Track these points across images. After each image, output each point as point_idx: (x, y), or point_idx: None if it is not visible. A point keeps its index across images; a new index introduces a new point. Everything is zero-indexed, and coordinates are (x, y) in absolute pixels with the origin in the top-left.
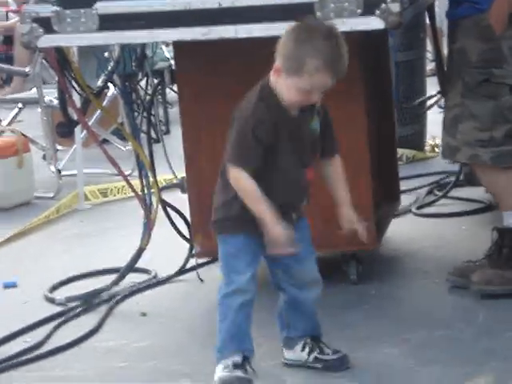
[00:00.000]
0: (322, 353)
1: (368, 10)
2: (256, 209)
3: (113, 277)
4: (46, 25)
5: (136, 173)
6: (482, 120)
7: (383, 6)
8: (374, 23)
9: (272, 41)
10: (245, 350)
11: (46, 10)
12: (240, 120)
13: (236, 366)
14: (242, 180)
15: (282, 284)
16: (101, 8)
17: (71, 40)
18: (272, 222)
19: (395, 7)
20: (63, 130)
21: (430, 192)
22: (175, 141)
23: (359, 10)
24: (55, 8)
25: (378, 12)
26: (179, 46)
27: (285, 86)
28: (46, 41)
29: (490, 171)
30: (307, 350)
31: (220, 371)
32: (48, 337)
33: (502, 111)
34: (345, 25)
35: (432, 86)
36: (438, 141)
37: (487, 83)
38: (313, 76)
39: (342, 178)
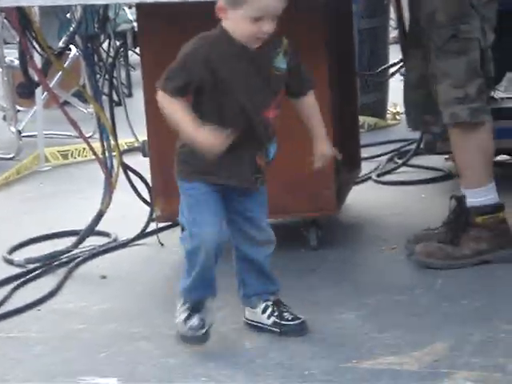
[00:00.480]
0: (281, 317)
1: None
2: (179, 123)
3: (73, 239)
4: None
5: (97, 135)
6: (455, 76)
7: None
8: None
9: None
10: (205, 296)
11: None
12: (182, 50)
13: (194, 310)
14: (165, 101)
15: (234, 241)
16: None
17: (33, 0)
18: (195, 131)
19: None
20: (24, 90)
21: (390, 160)
22: (138, 104)
23: None
24: None
25: None
26: (141, 8)
27: (234, 22)
28: (8, 0)
29: (462, 136)
30: (267, 313)
31: (179, 318)
32: (6, 298)
33: (474, 66)
34: None
35: (395, 54)
36: (399, 108)
37: (455, 39)
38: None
39: (315, 114)
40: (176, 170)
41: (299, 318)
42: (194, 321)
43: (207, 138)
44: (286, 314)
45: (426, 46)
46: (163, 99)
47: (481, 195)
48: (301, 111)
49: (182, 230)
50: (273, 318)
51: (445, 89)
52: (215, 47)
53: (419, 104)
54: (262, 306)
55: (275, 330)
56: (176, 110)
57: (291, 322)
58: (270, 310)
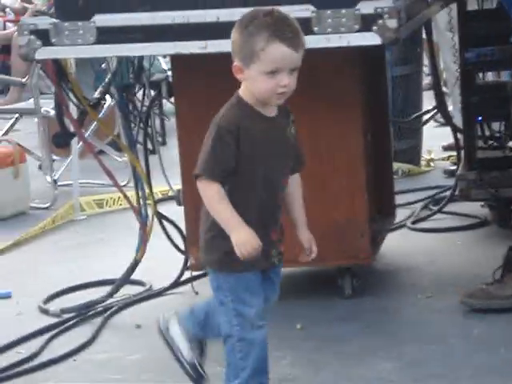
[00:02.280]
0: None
1: (365, 26)
2: (219, 215)
3: (108, 288)
4: (44, 37)
5: (132, 184)
6: None
7: (380, 21)
8: (371, 39)
9: None
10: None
11: (44, 22)
12: (210, 129)
13: None
14: (207, 190)
15: None
16: (99, 21)
17: (69, 52)
18: (237, 226)
19: (392, 23)
20: (59, 140)
21: (425, 207)
22: (172, 152)
23: (356, 26)
24: (53, 20)
25: (375, 28)
26: (177, 59)
27: (250, 80)
28: (44, 53)
29: None
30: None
31: None
32: (42, 348)
33: None
34: (342, 40)
35: (428, 101)
36: (434, 155)
37: None
38: (267, 51)
39: (299, 196)
40: (210, 256)
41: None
42: None
43: (244, 241)
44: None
45: None
46: (206, 191)
47: None
48: (288, 189)
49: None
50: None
51: None
52: (242, 118)
53: None
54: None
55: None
56: (217, 194)
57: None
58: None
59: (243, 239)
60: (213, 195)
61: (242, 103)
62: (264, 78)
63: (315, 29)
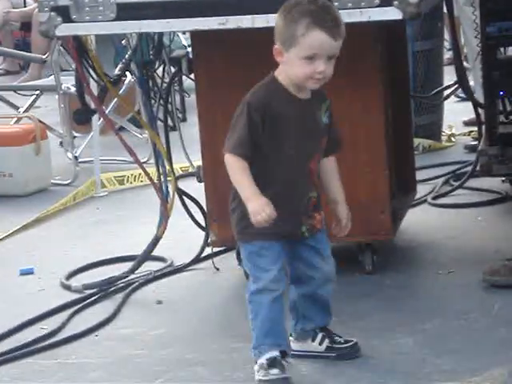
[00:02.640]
0: (333, 342)
1: (386, 1)
2: (239, 186)
3: (129, 264)
4: (64, 13)
5: (152, 160)
6: None
7: None
8: (392, 14)
9: None
10: (280, 344)
11: None
12: (240, 106)
13: (271, 365)
14: (231, 164)
15: (303, 277)
16: None
17: (89, 29)
18: (253, 196)
19: None
20: (80, 117)
21: (446, 182)
22: (192, 129)
23: (377, 1)
24: None
25: (396, 2)
26: (197, 35)
27: (289, 63)
28: (64, 29)
29: None
30: (318, 339)
31: (256, 373)
32: (64, 324)
33: None
34: (362, 15)
35: (449, 76)
36: (455, 130)
37: None
38: (306, 37)
39: (338, 178)
40: (234, 230)
41: (351, 341)
42: (274, 370)
43: (258, 210)
44: (336, 337)
45: None
46: (230, 165)
47: None
48: (323, 170)
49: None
50: (325, 344)
51: None
52: (272, 98)
53: None
54: (311, 333)
55: (330, 355)
56: (239, 168)
57: (344, 345)
58: (319, 336)
59: (257, 208)
60: (235, 169)
61: (275, 84)
62: (302, 63)
63: (336, 4)
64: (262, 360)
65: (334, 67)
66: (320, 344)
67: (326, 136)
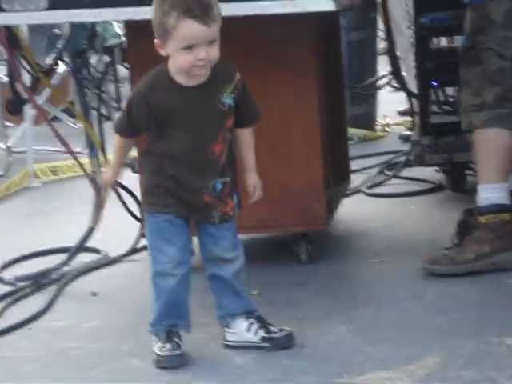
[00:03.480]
0: (268, 332)
1: None
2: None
3: (63, 256)
4: None
5: (87, 151)
6: (473, 85)
7: None
8: (325, 5)
9: (224, 22)
10: (177, 324)
11: None
12: (128, 97)
13: (167, 339)
14: (114, 141)
15: (203, 262)
16: None
17: (20, 19)
18: (110, 167)
19: None
20: (13, 107)
21: (380, 172)
22: None
23: None
24: None
25: None
26: (130, 24)
27: (171, 55)
28: None
29: (478, 138)
30: (253, 329)
31: (154, 346)
32: None
33: (488, 75)
34: (297, 6)
35: (383, 65)
36: (389, 120)
37: (473, 50)
38: (178, 29)
39: (251, 148)
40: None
41: (286, 330)
42: (168, 345)
43: (105, 174)
44: (272, 327)
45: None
46: (114, 141)
47: (489, 192)
48: (236, 142)
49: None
50: (260, 334)
51: (464, 97)
52: (155, 89)
53: None
54: (245, 324)
55: (265, 345)
56: (116, 148)
57: (280, 334)
58: (255, 326)
59: (107, 174)
60: (115, 145)
61: (163, 74)
62: (181, 53)
63: None
64: (159, 337)
65: (266, 57)
66: (255, 334)
67: (230, 117)
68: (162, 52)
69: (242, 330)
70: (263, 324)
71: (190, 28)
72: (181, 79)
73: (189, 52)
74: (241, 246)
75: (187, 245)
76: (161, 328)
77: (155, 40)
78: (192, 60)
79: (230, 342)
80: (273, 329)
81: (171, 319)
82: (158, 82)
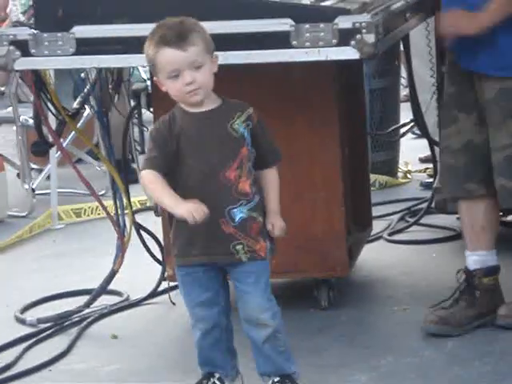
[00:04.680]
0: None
1: (343, 41)
2: (157, 196)
3: (85, 298)
4: (23, 47)
5: (110, 193)
6: None
7: (358, 36)
8: (349, 53)
9: (248, 69)
10: (212, 372)
11: (24, 33)
12: (150, 135)
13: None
14: (144, 177)
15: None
16: (78, 32)
17: (48, 63)
18: (172, 203)
19: (370, 38)
20: (38, 149)
21: (401, 218)
22: None
23: (334, 40)
24: (32, 31)
25: (353, 42)
26: None
27: (166, 87)
28: (23, 63)
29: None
30: None
31: None
32: (18, 358)
33: None
34: (320, 54)
35: (405, 112)
36: (411, 167)
37: None
38: (157, 59)
39: (274, 190)
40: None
41: None
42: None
43: (187, 209)
44: None
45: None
46: (143, 178)
47: (490, 258)
48: (262, 182)
49: None
50: None
51: None
52: (169, 120)
53: (462, 170)
54: (268, 382)
55: None
56: (156, 186)
57: None
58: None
59: (188, 208)
60: (149, 182)
61: (176, 107)
62: (170, 82)
63: (294, 43)
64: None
65: (290, 104)
66: None
67: (245, 145)
68: (163, 88)
69: None
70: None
71: (167, 55)
72: (186, 107)
73: (175, 80)
74: (275, 304)
75: (212, 298)
76: (201, 371)
77: (154, 78)
78: (180, 87)
79: None
80: None
81: (207, 367)
82: (172, 114)
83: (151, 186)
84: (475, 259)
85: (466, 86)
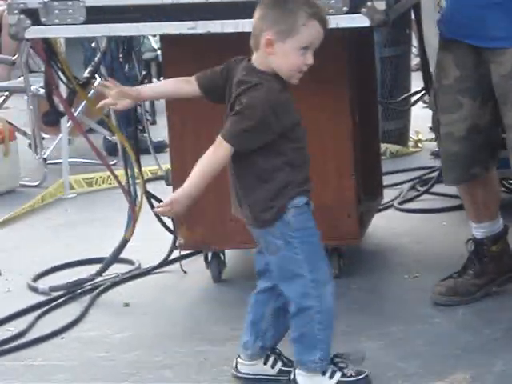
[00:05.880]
0: (285, 364)
1: (354, 8)
2: (196, 179)
3: (97, 267)
4: (34, 16)
5: (122, 163)
6: None
7: (369, 3)
8: (360, 21)
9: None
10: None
11: (34, 2)
12: (253, 107)
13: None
14: (222, 156)
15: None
16: (88, 0)
17: (58, 31)
18: (187, 193)
19: (381, 5)
20: (49, 119)
21: (412, 187)
22: (161, 132)
23: (345, 8)
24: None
25: (363, 10)
26: (166, 39)
27: (282, 54)
28: (34, 32)
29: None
30: (270, 362)
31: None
32: (31, 326)
33: None
34: (331, 22)
35: (416, 81)
36: (422, 136)
37: None
38: (308, 27)
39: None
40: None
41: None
42: (350, 371)
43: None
44: (286, 360)
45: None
46: (225, 152)
47: (496, 226)
48: None
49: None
50: (278, 367)
51: None
52: (279, 91)
53: (467, 156)
54: (264, 354)
55: (283, 378)
56: (215, 169)
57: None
58: (271, 358)
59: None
60: (220, 161)
61: (270, 75)
62: (296, 54)
63: None
64: (337, 369)
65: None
66: (272, 367)
67: None
68: (269, 51)
69: (260, 361)
70: (280, 356)
71: (318, 30)
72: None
73: (302, 54)
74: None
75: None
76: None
77: (268, 37)
78: (302, 63)
79: (246, 374)
80: (289, 362)
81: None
82: (271, 82)
83: (215, 166)
84: (482, 231)
85: (470, 69)
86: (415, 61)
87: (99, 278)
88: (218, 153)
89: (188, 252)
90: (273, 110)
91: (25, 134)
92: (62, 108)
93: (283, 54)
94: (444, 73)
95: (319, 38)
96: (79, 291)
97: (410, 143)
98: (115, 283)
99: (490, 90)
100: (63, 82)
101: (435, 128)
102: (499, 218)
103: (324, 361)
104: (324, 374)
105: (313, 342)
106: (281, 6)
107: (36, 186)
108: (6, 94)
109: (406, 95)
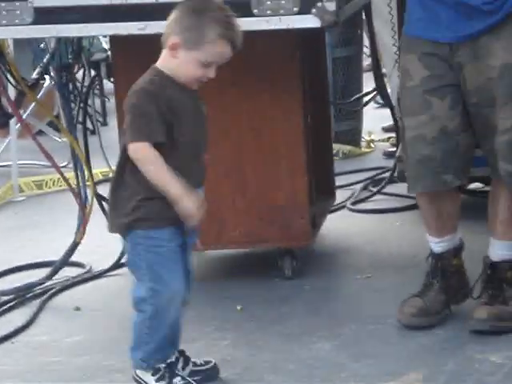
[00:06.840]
0: (195, 365)
1: (304, 9)
2: (162, 180)
3: (47, 270)
4: None
5: (72, 164)
6: None
7: (319, 4)
8: (311, 22)
9: None
10: (168, 355)
11: None
12: (135, 100)
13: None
14: (145, 151)
15: None
16: (36, 1)
17: (6, 33)
18: (182, 194)
19: (331, 6)
20: None
21: (364, 188)
22: (113, 133)
23: (296, 9)
24: None
25: (314, 10)
26: (116, 39)
27: (183, 61)
28: None
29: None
30: (180, 365)
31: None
32: None
33: None
34: (281, 23)
35: (368, 82)
36: (374, 136)
37: None
38: (214, 45)
39: None
40: (132, 220)
41: (210, 361)
42: (179, 379)
43: (193, 205)
44: (195, 360)
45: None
46: (142, 147)
47: (456, 239)
48: None
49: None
50: (189, 368)
51: None
52: (165, 88)
53: (439, 160)
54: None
55: (195, 378)
56: (158, 160)
57: (206, 367)
58: (181, 361)
59: (196, 204)
60: (154, 162)
61: (164, 75)
62: (197, 66)
63: (255, 11)
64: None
65: (252, 72)
66: (183, 369)
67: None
68: (174, 53)
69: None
70: (187, 358)
71: (225, 50)
72: (180, 82)
73: (203, 67)
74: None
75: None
76: (153, 363)
77: (176, 41)
78: (201, 76)
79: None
80: (197, 361)
81: (167, 352)
82: (166, 81)
83: (152, 167)
84: (443, 244)
85: (441, 68)
86: (367, 61)
87: (49, 282)
88: (147, 154)
89: None
90: (147, 95)
91: None
92: (10, 110)
93: (185, 61)
94: (408, 75)
95: (224, 57)
96: (29, 295)
97: (363, 144)
98: (66, 287)
99: (461, 91)
100: (11, 84)
101: (401, 134)
102: (458, 230)
103: (145, 362)
104: (153, 374)
105: (138, 342)
106: (196, 16)
107: None
108: None
109: (358, 96)
